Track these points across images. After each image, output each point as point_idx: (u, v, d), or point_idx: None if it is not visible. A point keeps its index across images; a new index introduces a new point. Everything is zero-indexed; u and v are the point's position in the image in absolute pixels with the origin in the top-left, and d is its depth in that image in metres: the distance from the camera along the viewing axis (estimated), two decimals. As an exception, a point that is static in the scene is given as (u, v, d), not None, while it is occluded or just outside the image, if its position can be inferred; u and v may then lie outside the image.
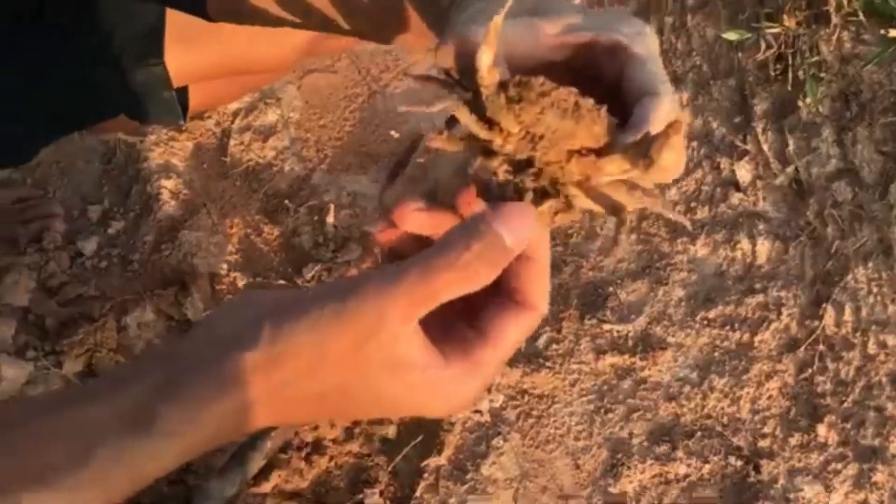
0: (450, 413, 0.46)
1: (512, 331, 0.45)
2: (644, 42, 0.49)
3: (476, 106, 0.45)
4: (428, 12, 0.61)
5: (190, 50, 0.87)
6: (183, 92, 0.91)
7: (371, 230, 0.48)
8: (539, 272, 0.45)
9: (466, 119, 0.45)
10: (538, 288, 0.45)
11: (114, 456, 0.42)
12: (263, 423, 0.44)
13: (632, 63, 0.48)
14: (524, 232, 0.43)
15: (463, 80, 0.46)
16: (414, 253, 0.45)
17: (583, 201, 0.46)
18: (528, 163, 0.46)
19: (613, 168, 0.45)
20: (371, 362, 0.43)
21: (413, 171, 0.50)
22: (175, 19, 0.84)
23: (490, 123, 0.45)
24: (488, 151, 0.46)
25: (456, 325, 0.46)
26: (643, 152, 0.44)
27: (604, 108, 0.45)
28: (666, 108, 0.47)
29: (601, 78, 0.50)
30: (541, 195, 0.46)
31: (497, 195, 0.46)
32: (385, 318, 0.42)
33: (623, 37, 0.49)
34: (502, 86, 0.45)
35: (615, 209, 0.46)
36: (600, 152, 0.46)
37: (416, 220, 0.47)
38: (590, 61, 0.50)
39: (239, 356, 0.42)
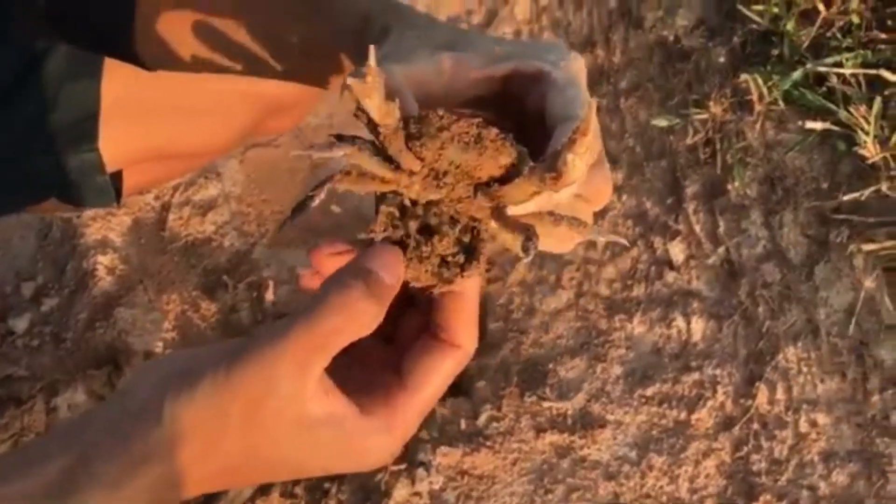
0: (368, 467, 0.44)
1: (436, 372, 0.44)
2: (567, 66, 0.47)
3: (380, 148, 0.44)
4: (354, 50, 0.59)
5: (124, 131, 0.86)
6: (117, 174, 0.90)
7: (300, 273, 0.47)
8: (465, 306, 0.44)
9: (367, 163, 0.43)
10: (464, 324, 0.44)
11: None
12: (189, 494, 0.43)
13: (552, 89, 0.47)
14: (397, 268, 0.43)
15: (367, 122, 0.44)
16: None
17: (503, 236, 0.44)
18: (435, 213, 0.44)
19: (520, 192, 0.43)
20: (270, 426, 0.42)
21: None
22: (110, 99, 0.83)
23: (396, 165, 0.43)
24: (395, 200, 0.44)
25: (380, 376, 0.44)
26: (548, 167, 0.42)
27: (510, 137, 0.44)
28: None
29: (528, 109, 0.48)
30: (465, 233, 0.44)
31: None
32: (275, 380, 0.41)
33: (545, 63, 0.47)
34: (404, 124, 0.43)
35: (524, 229, 0.43)
36: (508, 180, 0.44)
37: (334, 264, 0.46)
38: (516, 93, 0.48)
39: (143, 434, 0.42)
